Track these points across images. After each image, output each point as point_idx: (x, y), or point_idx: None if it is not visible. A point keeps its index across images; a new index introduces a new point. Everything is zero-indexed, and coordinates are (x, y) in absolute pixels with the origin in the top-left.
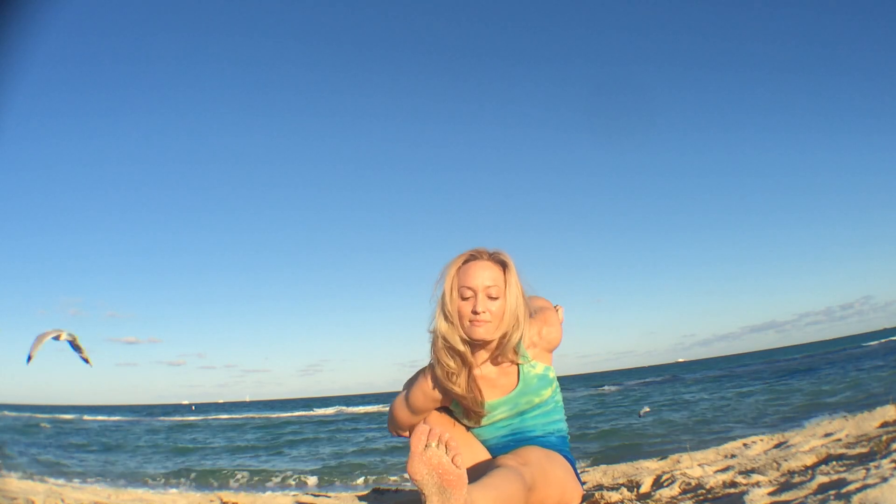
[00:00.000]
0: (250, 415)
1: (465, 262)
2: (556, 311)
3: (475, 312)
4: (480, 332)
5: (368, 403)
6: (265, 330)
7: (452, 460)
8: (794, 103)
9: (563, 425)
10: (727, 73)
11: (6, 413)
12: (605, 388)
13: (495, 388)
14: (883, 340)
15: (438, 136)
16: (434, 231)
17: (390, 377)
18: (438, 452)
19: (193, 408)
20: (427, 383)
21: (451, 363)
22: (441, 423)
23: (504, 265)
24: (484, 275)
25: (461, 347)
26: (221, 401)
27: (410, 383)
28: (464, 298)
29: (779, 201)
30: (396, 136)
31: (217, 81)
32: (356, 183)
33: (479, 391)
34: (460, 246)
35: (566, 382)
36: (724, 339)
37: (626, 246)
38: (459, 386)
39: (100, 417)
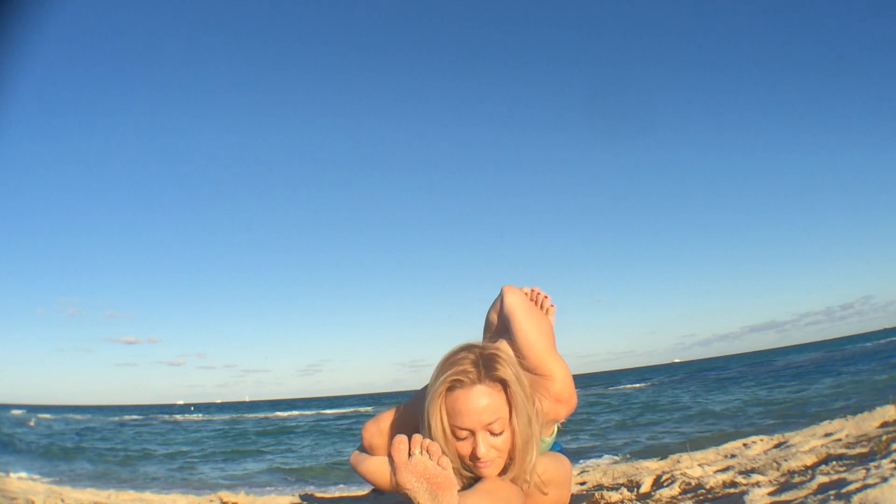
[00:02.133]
0: (227, 416)
1: (451, 388)
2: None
3: (477, 458)
4: (489, 473)
5: (365, 404)
6: (265, 330)
7: (438, 463)
8: (794, 103)
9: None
10: (727, 73)
11: None
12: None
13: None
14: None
15: (438, 137)
16: (434, 231)
17: (390, 377)
18: (423, 458)
19: (193, 408)
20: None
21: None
22: None
23: (504, 384)
24: (480, 407)
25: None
26: (220, 401)
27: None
28: (460, 439)
29: (779, 201)
30: (396, 136)
31: (216, 81)
32: (356, 183)
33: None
34: (462, 249)
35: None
36: (724, 339)
37: (625, 246)
38: None
39: (58, 416)
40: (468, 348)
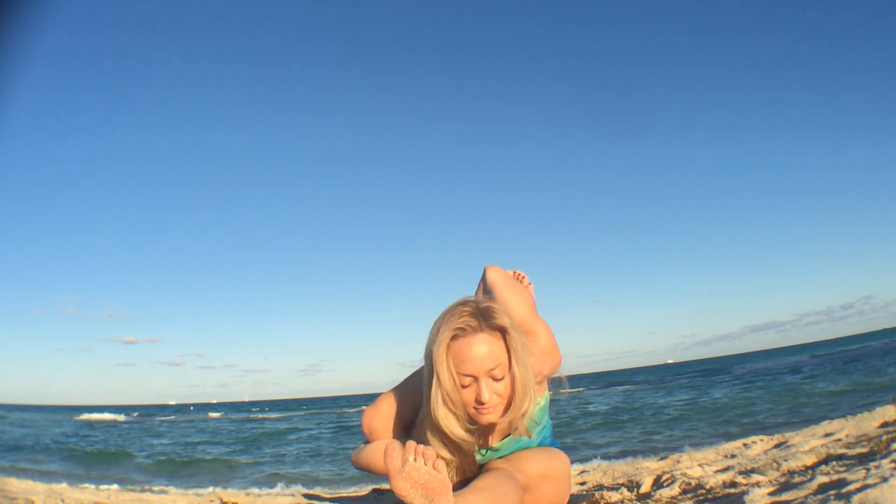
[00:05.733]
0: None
1: (454, 338)
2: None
3: (480, 402)
4: (490, 419)
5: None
6: (265, 330)
7: (433, 466)
8: (794, 103)
9: (547, 418)
10: (727, 72)
11: None
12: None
13: (500, 433)
14: None
15: (438, 135)
16: (434, 231)
17: (390, 377)
18: (417, 465)
19: (192, 408)
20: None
21: (446, 453)
22: None
23: (504, 332)
24: (483, 354)
25: (465, 437)
26: (215, 401)
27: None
28: (464, 386)
29: (779, 201)
30: (396, 135)
31: (216, 79)
32: (356, 182)
33: (472, 462)
34: (461, 248)
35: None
36: (724, 339)
37: (626, 246)
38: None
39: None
40: (465, 303)
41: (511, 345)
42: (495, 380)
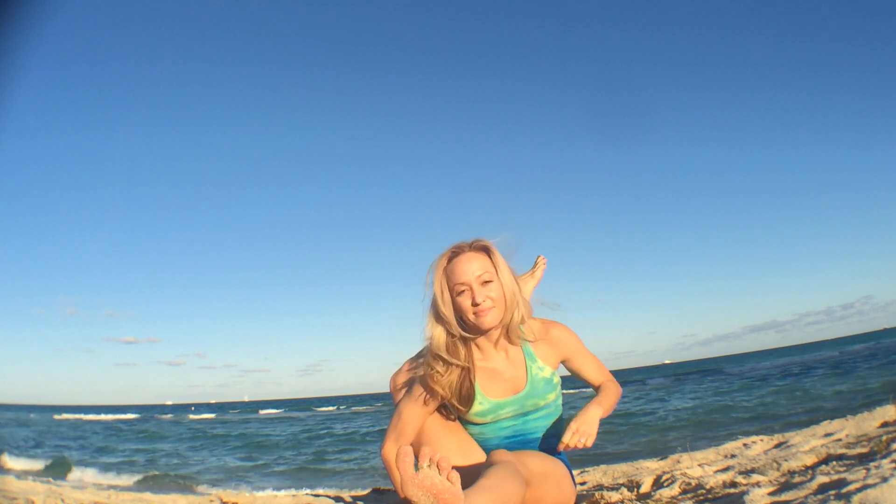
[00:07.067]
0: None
1: (450, 259)
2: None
3: (476, 304)
4: (488, 321)
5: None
6: (265, 330)
7: (447, 478)
8: (794, 103)
9: (562, 428)
10: (727, 72)
11: None
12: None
13: (504, 383)
14: None
15: (438, 135)
16: (434, 230)
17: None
18: (430, 473)
19: (193, 408)
20: (420, 399)
21: (440, 367)
22: (438, 428)
23: (487, 250)
24: (472, 266)
25: (459, 342)
26: (214, 401)
27: (405, 397)
28: (459, 294)
29: (779, 201)
30: (396, 134)
31: (216, 80)
32: (356, 182)
33: (469, 384)
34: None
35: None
36: (724, 339)
37: (626, 246)
38: (442, 385)
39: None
40: (456, 245)
41: (495, 260)
42: (485, 283)
